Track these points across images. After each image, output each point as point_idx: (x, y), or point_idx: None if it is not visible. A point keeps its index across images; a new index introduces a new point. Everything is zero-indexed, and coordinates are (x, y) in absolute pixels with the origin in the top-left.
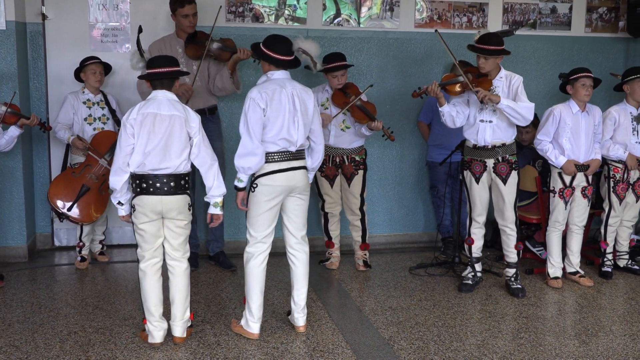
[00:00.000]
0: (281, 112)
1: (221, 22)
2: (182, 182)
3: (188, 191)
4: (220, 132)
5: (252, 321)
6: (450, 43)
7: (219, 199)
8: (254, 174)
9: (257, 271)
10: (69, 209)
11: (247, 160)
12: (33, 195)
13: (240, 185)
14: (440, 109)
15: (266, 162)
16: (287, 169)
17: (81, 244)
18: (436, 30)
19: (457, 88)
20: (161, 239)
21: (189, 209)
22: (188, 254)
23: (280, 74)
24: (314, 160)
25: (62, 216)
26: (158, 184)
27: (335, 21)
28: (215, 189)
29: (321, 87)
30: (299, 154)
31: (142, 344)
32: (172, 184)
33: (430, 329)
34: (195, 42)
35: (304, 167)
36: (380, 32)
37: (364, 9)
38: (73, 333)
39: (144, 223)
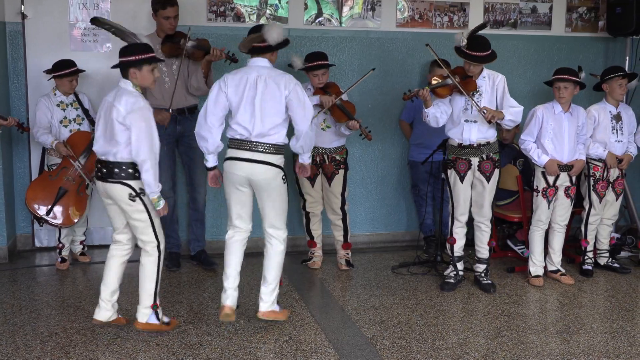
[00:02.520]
0: (241, 98)
1: (202, 22)
2: (117, 170)
3: (128, 181)
4: None
5: (222, 292)
6: (432, 43)
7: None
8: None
9: (228, 243)
10: (48, 213)
11: (198, 138)
12: (13, 197)
13: (206, 164)
14: (425, 110)
15: (228, 147)
16: (244, 159)
17: (61, 245)
18: (427, 45)
19: (446, 92)
20: (120, 222)
21: (131, 199)
22: (153, 244)
23: (255, 61)
24: (298, 142)
25: (41, 221)
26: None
27: (317, 21)
28: (145, 185)
29: (304, 85)
30: (262, 147)
31: (124, 345)
32: (104, 170)
33: (412, 327)
34: (171, 41)
35: (269, 163)
36: (362, 31)
37: (345, 9)
38: (54, 334)
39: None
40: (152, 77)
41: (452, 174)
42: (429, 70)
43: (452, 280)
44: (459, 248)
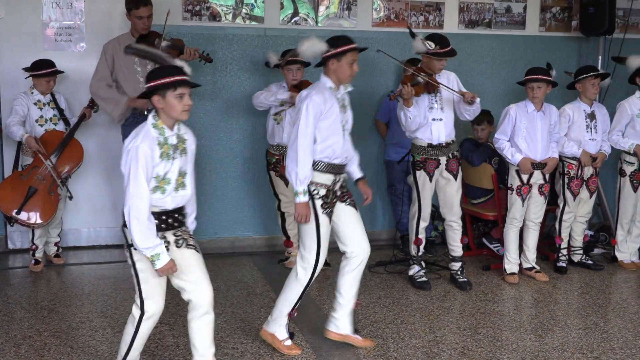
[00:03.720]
0: None
1: (177, 21)
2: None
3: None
4: None
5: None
6: (408, 42)
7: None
8: None
9: None
10: (18, 212)
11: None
12: None
13: None
14: (406, 110)
15: None
16: None
17: (34, 246)
18: (379, 50)
19: (422, 89)
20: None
21: (127, 248)
22: (136, 307)
23: None
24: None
25: (11, 220)
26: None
27: (293, 20)
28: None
29: (279, 84)
30: None
31: (99, 347)
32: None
33: (389, 326)
34: (146, 41)
35: None
36: (338, 31)
37: (321, 8)
38: (28, 337)
39: None
40: (181, 105)
41: (421, 175)
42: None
43: (425, 278)
44: (422, 247)
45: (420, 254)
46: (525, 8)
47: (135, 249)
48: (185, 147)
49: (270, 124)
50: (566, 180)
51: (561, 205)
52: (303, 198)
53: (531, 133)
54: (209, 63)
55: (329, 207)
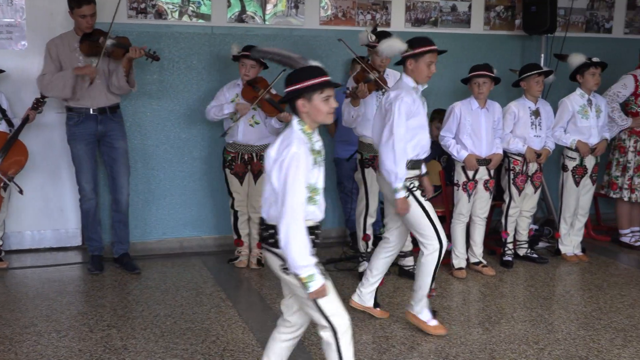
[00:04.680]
0: None
1: (123, 19)
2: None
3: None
4: (123, 130)
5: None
6: (355, 41)
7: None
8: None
9: None
10: None
11: None
12: None
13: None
14: (356, 109)
15: None
16: None
17: None
18: (340, 39)
19: (373, 87)
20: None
21: (283, 271)
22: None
23: None
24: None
25: None
26: None
27: (240, 18)
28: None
29: (233, 82)
30: None
31: (44, 352)
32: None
33: None
34: (90, 39)
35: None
36: (286, 29)
37: (269, 6)
38: None
39: None
40: (327, 108)
41: (369, 172)
42: (350, 67)
43: None
44: (370, 243)
45: (369, 250)
46: (470, 7)
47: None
48: (321, 153)
49: (226, 123)
50: (511, 176)
51: (507, 201)
52: (403, 193)
53: (476, 130)
54: (156, 61)
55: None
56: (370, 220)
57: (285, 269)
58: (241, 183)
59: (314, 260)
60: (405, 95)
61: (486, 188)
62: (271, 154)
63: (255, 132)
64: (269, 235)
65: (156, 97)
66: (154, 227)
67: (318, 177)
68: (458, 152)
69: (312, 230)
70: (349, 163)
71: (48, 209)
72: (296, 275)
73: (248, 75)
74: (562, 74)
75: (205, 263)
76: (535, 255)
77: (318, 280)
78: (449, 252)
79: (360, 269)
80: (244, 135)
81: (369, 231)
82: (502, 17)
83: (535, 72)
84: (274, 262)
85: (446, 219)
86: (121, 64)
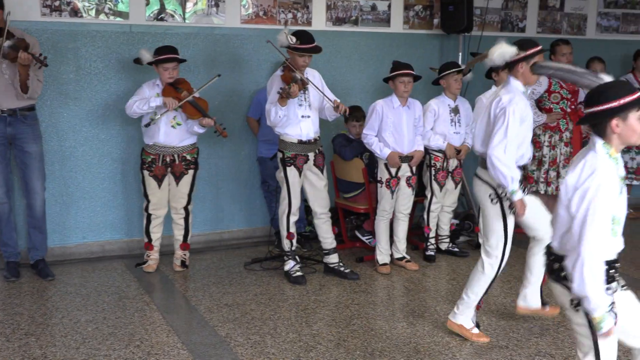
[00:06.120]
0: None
1: (36, 17)
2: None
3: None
4: (36, 133)
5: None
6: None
7: None
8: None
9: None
10: None
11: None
12: None
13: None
14: (279, 108)
15: None
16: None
17: None
18: (269, 41)
19: (300, 88)
20: None
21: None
22: None
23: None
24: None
25: None
26: None
27: (160, 16)
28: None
29: (151, 82)
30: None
31: None
32: None
33: (266, 322)
34: None
35: (477, 176)
36: (207, 27)
37: (189, 4)
38: None
39: None
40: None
41: (291, 170)
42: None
43: (300, 273)
44: (295, 241)
45: (294, 248)
46: (389, 6)
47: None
48: (623, 176)
49: (144, 121)
50: (433, 172)
51: (429, 196)
52: (520, 195)
53: (397, 127)
54: (44, 67)
55: (512, 207)
56: (293, 219)
57: (577, 306)
58: (159, 186)
59: (611, 299)
60: (519, 100)
61: (408, 185)
62: (570, 181)
63: (176, 133)
64: (559, 267)
65: (73, 97)
66: (73, 231)
67: (622, 206)
68: (381, 150)
69: (611, 264)
70: (273, 162)
71: None
72: (587, 314)
73: (172, 77)
74: (479, 72)
75: (128, 266)
76: (456, 249)
77: (610, 320)
78: (373, 249)
79: (286, 268)
80: (165, 136)
81: (293, 229)
82: (421, 16)
83: (453, 70)
84: (563, 295)
85: (370, 216)
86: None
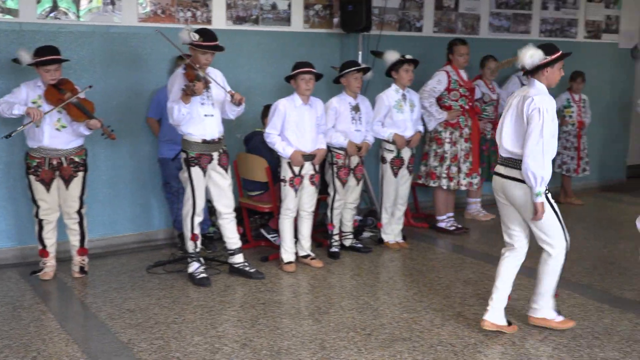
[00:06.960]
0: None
1: None
2: None
3: None
4: None
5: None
6: (175, 38)
7: None
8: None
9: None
10: None
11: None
12: None
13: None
14: (182, 105)
15: None
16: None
17: None
18: (158, 30)
19: (204, 85)
20: None
21: None
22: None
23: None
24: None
25: None
26: None
27: (52, 14)
28: None
29: (32, 82)
30: (505, 161)
31: None
32: None
33: (170, 326)
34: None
35: (512, 178)
36: (102, 26)
37: (83, 2)
38: None
39: None
40: None
41: (196, 170)
42: (175, 64)
43: (205, 274)
44: (199, 243)
45: (198, 250)
46: (290, 5)
47: None
48: None
49: (30, 127)
50: (335, 169)
51: (332, 194)
52: (543, 198)
53: (300, 126)
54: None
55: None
56: (198, 220)
57: None
58: (48, 190)
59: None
60: (550, 99)
61: (312, 183)
62: None
63: (62, 136)
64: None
65: None
66: None
67: None
68: (284, 149)
69: None
70: (175, 163)
71: None
72: None
73: (54, 78)
74: (379, 71)
75: (23, 275)
76: (360, 245)
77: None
78: (278, 247)
79: (190, 270)
80: (50, 139)
81: (197, 231)
82: (320, 15)
83: (354, 68)
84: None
85: (274, 215)
86: None
